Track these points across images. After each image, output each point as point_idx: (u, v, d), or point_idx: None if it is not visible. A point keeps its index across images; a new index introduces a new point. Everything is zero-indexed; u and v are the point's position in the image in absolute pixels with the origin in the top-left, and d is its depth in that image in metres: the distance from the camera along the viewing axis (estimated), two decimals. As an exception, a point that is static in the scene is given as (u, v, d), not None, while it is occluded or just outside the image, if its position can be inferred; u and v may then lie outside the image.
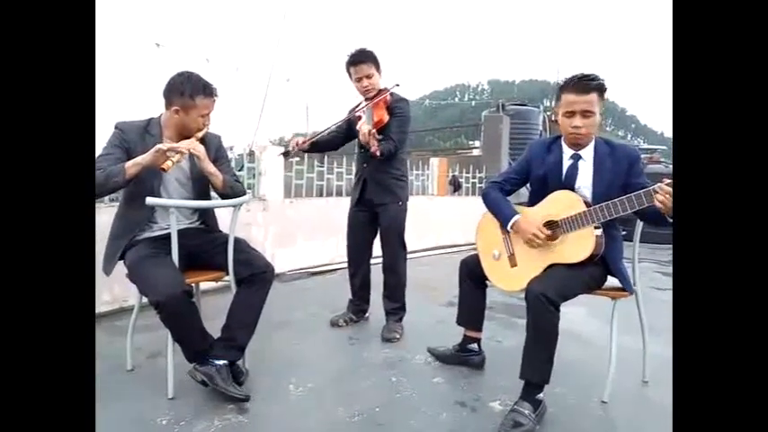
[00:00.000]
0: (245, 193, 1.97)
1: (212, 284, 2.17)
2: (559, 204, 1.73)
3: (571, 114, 1.71)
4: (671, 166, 7.73)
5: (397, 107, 2.42)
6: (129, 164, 1.66)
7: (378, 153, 2.31)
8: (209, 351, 1.73)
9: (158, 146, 1.67)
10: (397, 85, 2.47)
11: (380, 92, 2.44)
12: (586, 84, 1.68)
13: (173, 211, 1.67)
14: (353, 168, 2.69)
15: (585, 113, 1.70)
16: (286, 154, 2.65)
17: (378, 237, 2.61)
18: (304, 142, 2.50)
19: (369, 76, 2.41)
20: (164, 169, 1.68)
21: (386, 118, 2.37)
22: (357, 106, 2.56)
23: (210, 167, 1.82)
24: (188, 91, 1.75)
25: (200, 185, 1.90)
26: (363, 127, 2.31)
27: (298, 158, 4.33)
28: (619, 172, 1.73)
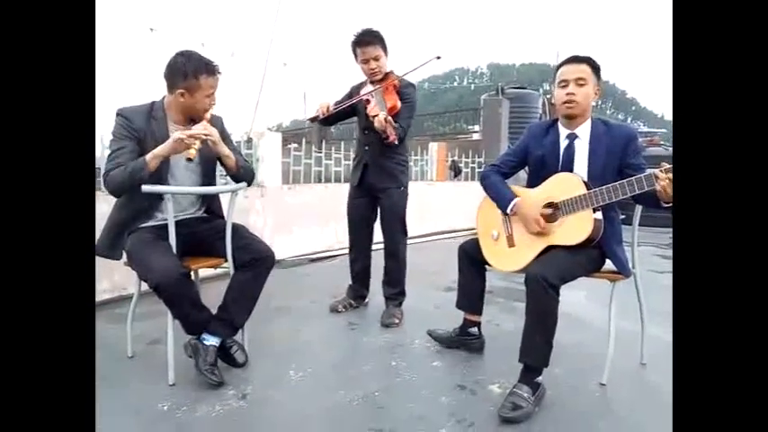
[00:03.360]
0: (254, 174, 1.98)
1: (212, 272, 2.17)
2: (560, 186, 1.72)
3: (565, 84, 1.73)
4: (671, 149, 7.70)
5: (405, 92, 2.37)
6: (149, 157, 1.63)
7: (396, 141, 2.26)
8: (207, 324, 1.76)
9: (176, 135, 1.64)
10: (438, 58, 2.38)
11: (387, 75, 2.39)
12: (578, 55, 1.75)
13: (169, 197, 1.66)
14: (352, 152, 2.63)
15: (579, 81, 1.71)
16: (314, 119, 2.49)
17: (378, 222, 2.60)
18: (329, 109, 2.38)
19: (376, 58, 2.34)
20: (190, 159, 1.66)
21: (399, 104, 2.31)
22: (361, 85, 2.50)
23: (225, 150, 1.81)
24: (191, 72, 1.70)
25: (207, 169, 1.88)
26: (381, 115, 2.21)
27: (296, 144, 4.31)
28: (615, 151, 1.72)
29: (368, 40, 2.32)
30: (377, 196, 2.52)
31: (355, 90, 2.52)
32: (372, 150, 2.45)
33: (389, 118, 2.23)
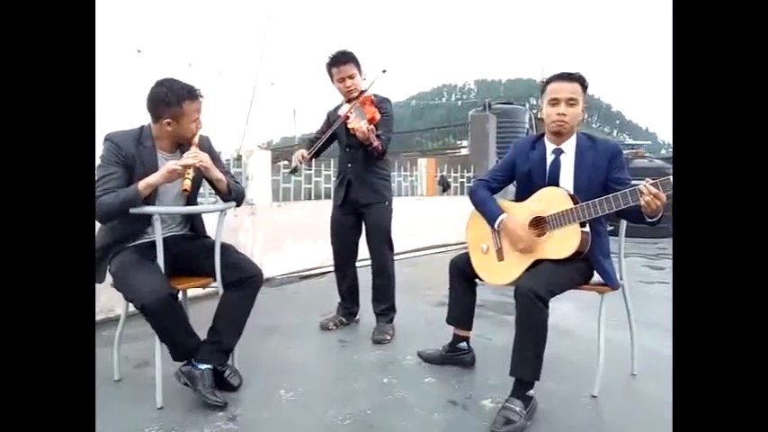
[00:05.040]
0: (245, 194, 1.99)
1: (200, 291, 2.14)
2: (547, 201, 1.74)
3: (556, 102, 1.75)
4: (655, 161, 7.84)
5: (382, 107, 2.42)
6: (141, 186, 1.63)
7: (381, 148, 2.32)
8: (195, 351, 1.73)
9: (170, 166, 1.65)
10: (384, 71, 2.43)
11: (362, 92, 2.44)
12: (570, 74, 1.75)
13: (156, 217, 1.65)
14: (336, 169, 2.67)
15: (570, 101, 1.73)
16: (294, 171, 2.56)
17: (363, 238, 2.60)
18: (305, 156, 2.45)
19: (351, 77, 2.41)
20: (186, 190, 1.68)
21: (377, 115, 2.36)
22: (337, 108, 2.54)
23: (217, 173, 1.81)
24: (174, 101, 1.70)
25: (193, 191, 1.86)
26: (362, 124, 2.24)
27: (286, 162, 4.32)
28: (600, 166, 1.75)
29: (342, 60, 2.41)
30: (361, 212, 2.53)
31: (333, 114, 2.56)
32: (356, 167, 2.48)
33: (372, 127, 2.28)
